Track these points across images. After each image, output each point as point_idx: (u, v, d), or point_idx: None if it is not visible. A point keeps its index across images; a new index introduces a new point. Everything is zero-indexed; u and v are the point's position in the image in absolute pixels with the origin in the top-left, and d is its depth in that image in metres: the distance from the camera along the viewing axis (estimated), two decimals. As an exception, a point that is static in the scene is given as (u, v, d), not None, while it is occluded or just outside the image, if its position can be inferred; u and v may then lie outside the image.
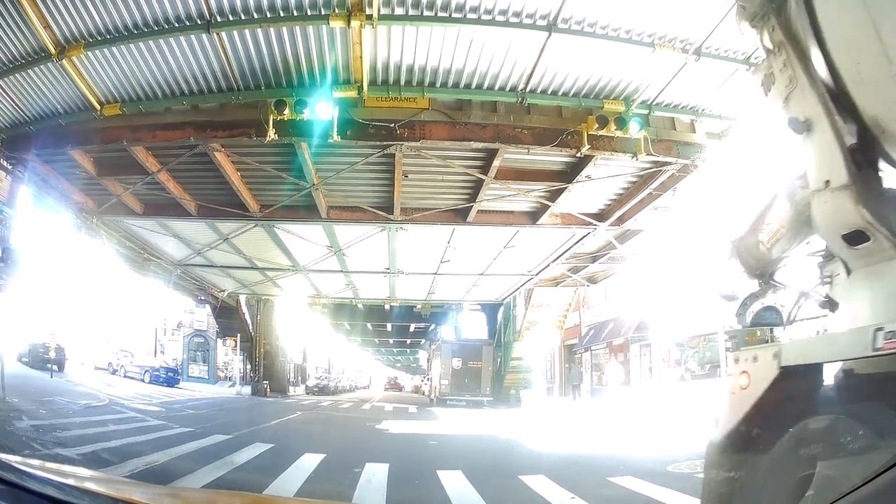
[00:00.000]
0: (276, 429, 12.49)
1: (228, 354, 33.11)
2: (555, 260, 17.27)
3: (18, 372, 22.62)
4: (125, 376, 31.98)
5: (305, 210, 13.10)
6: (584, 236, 14.84)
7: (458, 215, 13.21)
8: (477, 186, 11.92)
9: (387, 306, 40.72)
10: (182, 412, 15.69)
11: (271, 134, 9.10)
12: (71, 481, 1.79)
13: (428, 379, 46.79)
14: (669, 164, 11.28)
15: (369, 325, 52.03)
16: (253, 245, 16.35)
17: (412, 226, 13.69)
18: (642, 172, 12.24)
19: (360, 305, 40.16)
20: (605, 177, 11.85)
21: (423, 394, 46.59)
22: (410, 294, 23.18)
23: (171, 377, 31.81)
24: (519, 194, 12.26)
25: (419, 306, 30.21)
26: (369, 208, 12.72)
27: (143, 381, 30.79)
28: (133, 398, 19.79)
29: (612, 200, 13.73)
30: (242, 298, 31.79)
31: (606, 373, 24.57)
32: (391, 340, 61.71)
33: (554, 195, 12.37)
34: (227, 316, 31.14)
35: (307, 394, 38.49)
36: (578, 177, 11.43)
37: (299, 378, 48.60)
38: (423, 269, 18.49)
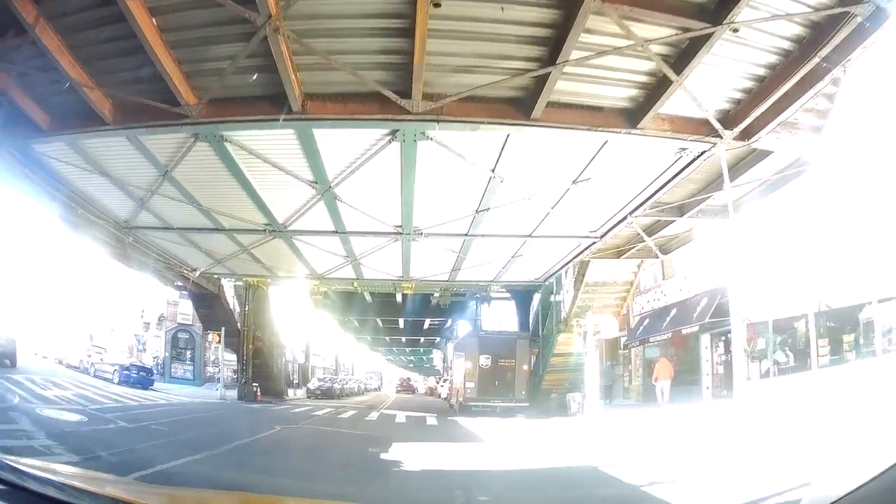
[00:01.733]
0: (219, 462, 7.49)
1: (220, 352, 28.32)
2: (637, 209, 12.20)
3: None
4: (95, 375, 28.07)
5: (268, 102, 8.14)
6: (695, 158, 9.75)
7: (518, 109, 8.14)
8: (558, 37, 6.87)
9: (398, 297, 35.87)
10: (106, 426, 10.89)
11: None
12: (71, 481, 1.81)
13: (447, 381, 41.66)
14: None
15: (379, 322, 47.27)
16: (206, 185, 11.43)
17: (441, 134, 8.66)
18: (806, 33, 7.33)
19: (367, 296, 35.32)
20: (767, 18, 6.82)
21: (440, 397, 41.47)
22: (429, 272, 18.09)
23: (143, 377, 27.24)
24: (625, 54, 7.20)
25: (437, 294, 25.21)
26: (372, 83, 7.62)
27: (112, 381, 26.72)
28: (64, 402, 15.18)
29: (745, 93, 8.70)
30: (228, 285, 27.03)
31: (655, 371, 19.66)
32: (403, 339, 56.96)
33: (682, 61, 7.36)
34: (207, 305, 26.36)
35: (308, 398, 33.59)
36: (731, 14, 6.45)
37: (300, 380, 43.82)
38: (451, 227, 13.41)
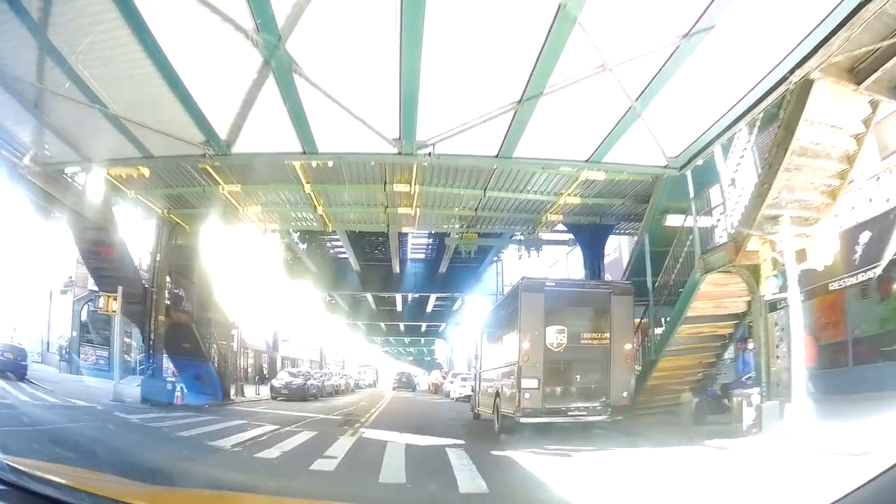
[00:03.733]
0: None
1: (116, 325, 18.70)
2: None
3: None
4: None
5: None
6: None
7: None
8: None
9: (395, 264, 26.31)
10: None
11: None
12: (71, 482, 1.80)
13: (458, 376, 31.96)
14: None
15: (372, 303, 37.78)
16: None
17: None
18: None
19: (353, 262, 25.74)
20: None
21: (447, 396, 31.95)
22: (460, 118, 7.87)
23: (12, 362, 18.27)
24: None
25: (456, 230, 15.71)
26: None
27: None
28: None
29: None
30: (134, 220, 17.47)
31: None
32: (402, 326, 47.62)
33: None
34: (95, 250, 16.56)
35: (273, 398, 24.13)
36: None
37: (266, 373, 34.43)
38: None
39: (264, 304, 29.79)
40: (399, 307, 39.73)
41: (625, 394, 11.15)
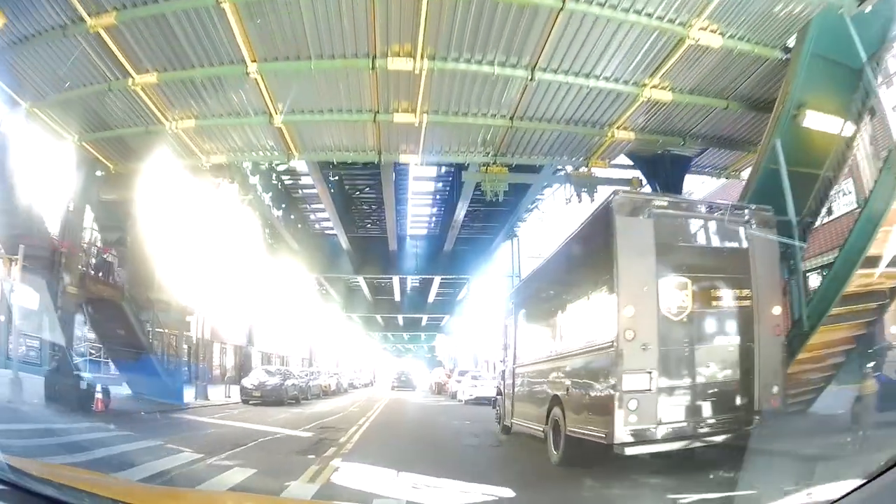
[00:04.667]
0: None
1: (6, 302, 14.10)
2: None
3: None
4: None
5: None
6: None
7: None
8: None
9: (391, 236, 21.86)
10: None
11: None
12: (71, 482, 1.79)
13: (466, 374, 27.38)
14: None
15: (366, 289, 33.30)
16: None
17: None
18: None
19: (343, 241, 21.24)
20: None
21: (454, 397, 27.48)
22: None
23: None
24: None
25: (479, 159, 11.26)
26: None
27: None
28: None
29: None
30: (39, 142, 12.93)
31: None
32: (400, 319, 43.04)
33: None
34: None
35: (245, 401, 19.66)
36: None
37: (239, 371, 29.81)
38: None
39: (237, 289, 25.17)
40: (397, 296, 35.27)
41: (774, 388, 6.72)
